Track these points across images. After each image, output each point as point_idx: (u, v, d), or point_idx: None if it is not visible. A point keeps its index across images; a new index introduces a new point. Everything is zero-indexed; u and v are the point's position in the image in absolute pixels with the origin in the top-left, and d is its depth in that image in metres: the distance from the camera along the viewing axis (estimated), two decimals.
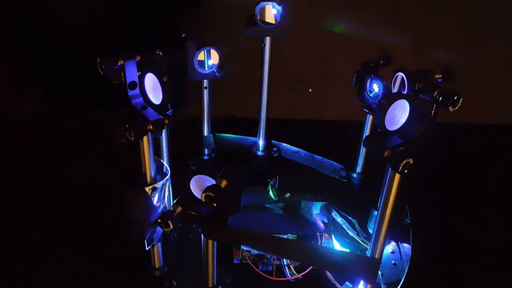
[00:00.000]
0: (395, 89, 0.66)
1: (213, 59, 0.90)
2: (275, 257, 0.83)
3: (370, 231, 0.83)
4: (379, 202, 0.67)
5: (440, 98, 0.56)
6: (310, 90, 1.43)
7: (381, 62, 0.83)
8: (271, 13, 0.86)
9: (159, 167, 0.76)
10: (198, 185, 0.66)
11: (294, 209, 0.87)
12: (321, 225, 0.84)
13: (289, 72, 1.43)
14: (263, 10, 0.85)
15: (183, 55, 0.87)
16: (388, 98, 0.59)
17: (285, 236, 0.82)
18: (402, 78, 0.60)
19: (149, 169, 0.73)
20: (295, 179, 0.94)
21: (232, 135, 1.05)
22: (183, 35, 0.87)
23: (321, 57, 1.46)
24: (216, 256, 0.72)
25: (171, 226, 0.66)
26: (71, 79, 1.45)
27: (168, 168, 0.77)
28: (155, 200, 0.74)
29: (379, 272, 0.78)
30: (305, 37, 1.35)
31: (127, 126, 0.65)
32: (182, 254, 0.86)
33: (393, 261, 0.84)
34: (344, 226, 0.86)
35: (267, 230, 0.82)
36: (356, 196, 0.96)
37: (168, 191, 0.79)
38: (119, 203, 0.71)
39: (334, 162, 1.01)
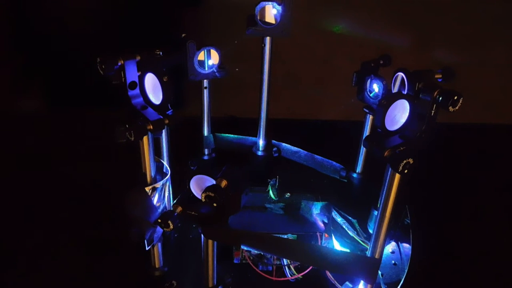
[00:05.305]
0: (395, 89, 0.66)
1: (213, 59, 0.89)
2: (275, 257, 0.83)
3: (370, 231, 0.83)
4: (379, 202, 0.67)
5: (440, 98, 0.56)
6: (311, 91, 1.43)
7: (381, 62, 0.83)
8: (271, 13, 0.86)
9: (159, 167, 0.76)
10: (198, 185, 0.66)
11: (294, 209, 0.87)
12: (321, 225, 0.84)
13: (289, 72, 1.43)
14: (263, 10, 0.85)
15: (183, 55, 0.87)
16: (388, 98, 0.59)
17: (285, 236, 0.82)
18: (402, 78, 0.60)
19: (149, 169, 0.73)
20: (295, 179, 0.94)
21: (232, 135, 1.05)
22: (183, 35, 0.87)
23: (321, 57, 1.46)
24: (216, 256, 0.72)
25: (171, 226, 0.66)
26: (71, 79, 1.45)
27: (168, 168, 0.77)
28: (155, 200, 0.74)
29: (379, 272, 0.78)
30: (305, 37, 1.35)
31: (127, 126, 0.65)
32: (182, 254, 0.86)
33: (393, 261, 0.84)
34: (344, 226, 0.85)
35: (267, 230, 0.82)
36: (356, 196, 0.96)
37: (168, 191, 0.79)
38: (119, 203, 0.71)
39: (334, 162, 1.01)
